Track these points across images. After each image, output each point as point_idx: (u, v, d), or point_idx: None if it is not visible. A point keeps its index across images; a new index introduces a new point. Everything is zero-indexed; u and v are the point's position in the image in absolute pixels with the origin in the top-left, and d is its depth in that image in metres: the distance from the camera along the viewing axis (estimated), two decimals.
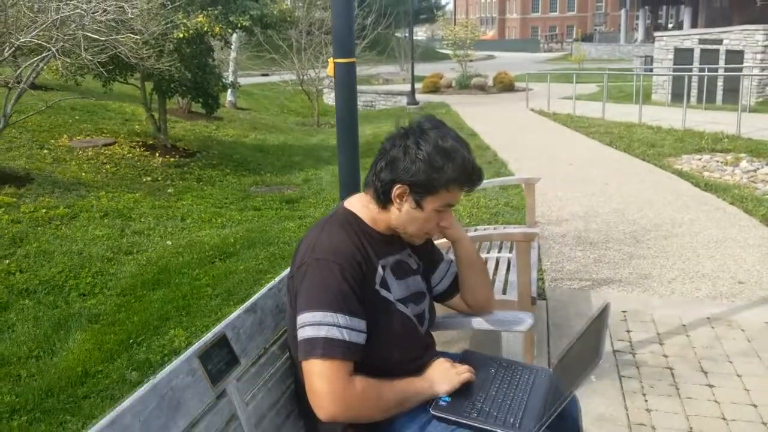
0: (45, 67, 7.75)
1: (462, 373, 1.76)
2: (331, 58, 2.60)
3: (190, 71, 8.98)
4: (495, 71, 23.75)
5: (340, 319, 1.58)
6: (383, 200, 1.75)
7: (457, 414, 1.66)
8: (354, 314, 1.61)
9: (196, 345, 1.46)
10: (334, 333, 1.57)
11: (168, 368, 1.35)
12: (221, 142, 11.25)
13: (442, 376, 1.74)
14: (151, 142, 9.95)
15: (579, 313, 4.04)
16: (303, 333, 1.58)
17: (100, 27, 6.56)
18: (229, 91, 15.63)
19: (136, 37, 6.52)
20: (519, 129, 13.28)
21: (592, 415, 2.94)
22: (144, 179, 8.41)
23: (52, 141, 9.17)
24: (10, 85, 6.66)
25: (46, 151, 8.70)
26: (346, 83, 2.67)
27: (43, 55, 6.33)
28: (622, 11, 42.86)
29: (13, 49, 6.05)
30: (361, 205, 1.80)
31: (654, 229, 5.84)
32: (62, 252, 5.37)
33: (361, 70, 18.59)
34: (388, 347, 1.71)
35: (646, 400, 3.05)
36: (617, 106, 15.81)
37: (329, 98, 21.33)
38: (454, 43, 26.61)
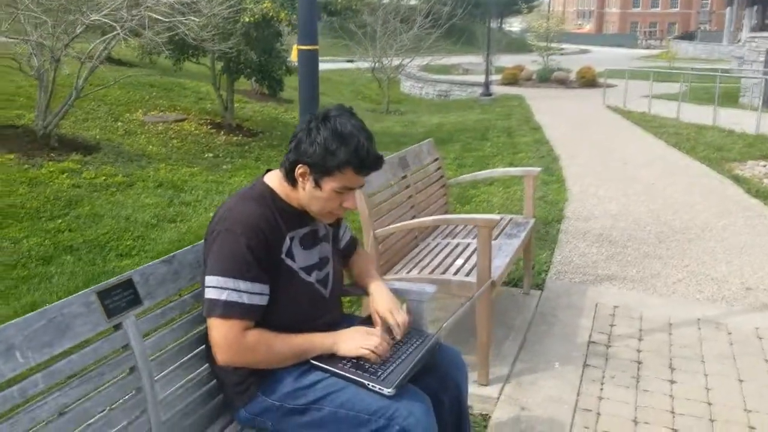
0: (125, 44, 8.35)
1: (367, 346, 1.88)
2: (295, 45, 2.82)
3: (257, 54, 9.39)
4: (583, 66, 23.25)
5: (241, 284, 1.81)
6: (290, 179, 1.95)
7: (332, 364, 1.87)
8: (255, 280, 1.83)
9: (100, 284, 1.73)
10: (234, 297, 1.80)
11: (63, 300, 1.62)
12: (286, 124, 11.68)
13: (348, 341, 1.91)
14: (218, 121, 10.48)
15: (569, 305, 4.13)
16: (207, 293, 1.83)
17: (166, 9, 7.02)
18: None
19: (196, 19, 6.94)
20: (586, 125, 13.07)
21: (542, 396, 3.08)
22: (205, 155, 8.90)
23: (127, 114, 9.83)
24: (83, 60, 7.22)
25: (120, 123, 9.35)
26: (309, 68, 2.89)
27: (112, 34, 6.84)
28: (728, 9, 40.81)
29: (84, 26, 6.57)
30: (278, 180, 2.00)
31: (682, 232, 5.76)
32: (111, 216, 5.86)
33: (434, 60, 18.68)
34: (289, 308, 1.93)
35: (602, 389, 3.14)
36: (697, 107, 15.25)
37: (405, 86, 21.57)
38: (539, 35, 26.21)
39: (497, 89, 20.00)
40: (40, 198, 5.96)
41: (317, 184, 1.91)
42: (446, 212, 4.26)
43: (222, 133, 9.99)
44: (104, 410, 1.66)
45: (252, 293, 1.82)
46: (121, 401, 1.72)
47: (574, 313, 4.01)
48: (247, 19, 8.67)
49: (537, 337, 3.68)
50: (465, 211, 6.46)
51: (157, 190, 6.85)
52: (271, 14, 8.96)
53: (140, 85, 11.30)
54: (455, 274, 3.21)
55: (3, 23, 6.55)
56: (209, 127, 10.12)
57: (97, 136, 8.31)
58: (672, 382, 3.21)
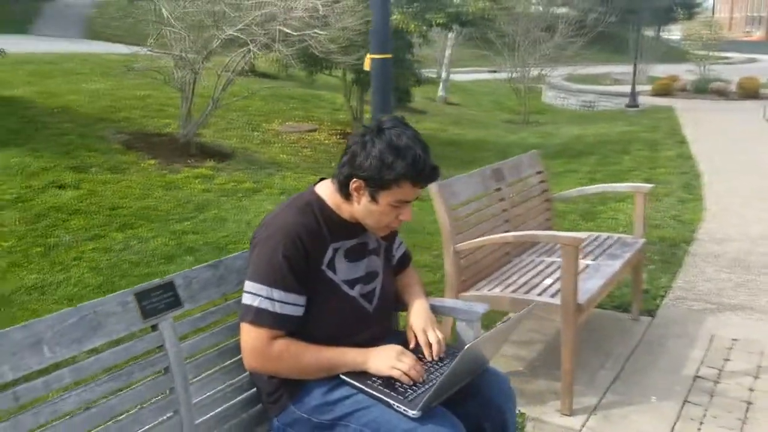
0: (262, 58, 8.78)
1: (399, 367, 1.82)
2: (368, 54, 2.79)
3: None
4: (744, 76, 21.46)
5: (275, 293, 1.81)
6: (344, 193, 1.92)
7: (361, 380, 1.82)
8: (290, 290, 1.82)
9: (139, 285, 1.80)
10: (266, 305, 1.81)
11: (99, 299, 1.70)
12: None
13: (379, 359, 1.85)
14: (349, 131, 10.73)
15: (681, 334, 3.78)
16: (243, 298, 1.86)
17: (297, 23, 7.29)
18: (441, 85, 16.11)
19: (323, 32, 7.15)
20: (739, 140, 12.02)
21: (632, 430, 2.83)
22: (333, 164, 9.12)
23: (265, 125, 10.30)
24: (219, 73, 7.67)
25: (257, 133, 9.82)
26: (382, 77, 2.85)
27: (245, 48, 7.20)
28: None
29: (220, 41, 6.98)
30: (330, 190, 1.98)
31: None
32: (234, 220, 6.15)
33: (577, 69, 18.03)
34: (328, 321, 1.91)
35: (700, 429, 2.84)
36: None
37: (548, 96, 20.98)
38: (700, 44, 24.52)
39: (647, 100, 18.91)
40: (172, 201, 6.38)
41: (373, 198, 1.88)
42: (549, 228, 4.06)
43: None
44: (133, 408, 1.71)
45: (285, 303, 1.81)
46: (152, 401, 1.77)
47: (685, 343, 3.67)
48: None
49: (637, 367, 3.40)
50: (587, 228, 6.14)
51: (280, 197, 7.11)
52: (401, 26, 9.05)
53: (280, 97, 11.83)
54: (540, 294, 3.04)
55: (150, 38, 7.10)
56: (339, 137, 10.38)
57: (234, 145, 8.78)
58: None
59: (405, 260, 2.22)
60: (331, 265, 1.91)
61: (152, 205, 6.22)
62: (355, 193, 1.90)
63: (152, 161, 7.36)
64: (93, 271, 4.78)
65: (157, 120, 9.03)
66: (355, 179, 1.87)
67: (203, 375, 1.89)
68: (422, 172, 1.84)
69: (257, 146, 9.14)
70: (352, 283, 1.95)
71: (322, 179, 2.04)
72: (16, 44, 12.10)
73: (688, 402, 3.06)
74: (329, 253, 1.91)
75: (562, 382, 2.97)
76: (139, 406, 1.73)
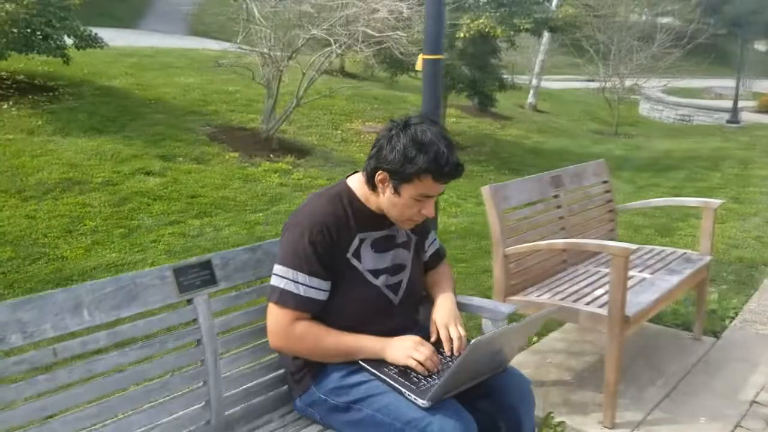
0: (348, 59, 8.95)
1: (415, 357, 1.86)
2: (421, 54, 2.83)
3: (470, 70, 9.51)
4: None
5: (300, 276, 1.90)
6: (371, 184, 1.99)
7: (378, 367, 1.87)
8: (314, 274, 1.91)
9: (178, 262, 1.91)
10: (291, 287, 1.90)
11: (138, 271, 1.82)
12: (498, 140, 11.64)
13: (396, 348, 1.91)
14: None
15: (743, 357, 3.62)
16: (271, 280, 1.96)
17: (380, 25, 7.41)
18: (531, 92, 15.91)
19: (404, 35, 7.23)
20: None
21: None
22: None
23: (347, 124, 10.49)
24: (304, 72, 7.88)
25: (338, 132, 10.01)
26: (432, 78, 2.88)
27: (329, 49, 7.38)
28: None
29: (305, 41, 7.18)
30: (360, 182, 2.05)
31: None
32: None
33: (672, 81, 17.36)
34: (350, 308, 1.98)
35: None
36: None
37: (644, 108, 20.31)
38: None
39: (750, 117, 18.01)
40: (249, 193, 6.62)
41: (396, 191, 1.94)
42: (612, 239, 3.97)
43: None
44: (164, 375, 1.83)
45: (309, 286, 1.89)
46: (183, 370, 1.88)
47: (746, 367, 3.51)
48: (462, 35, 8.83)
49: (691, 387, 3.28)
50: (662, 243, 5.95)
51: None
52: (487, 30, 9.02)
53: (364, 97, 12.00)
54: (588, 304, 2.99)
55: (239, 35, 7.40)
56: None
57: (314, 142, 9.00)
58: None
59: (437, 257, 2.26)
60: (357, 254, 1.98)
61: (230, 195, 6.47)
62: (380, 185, 1.96)
63: (234, 154, 7.65)
64: (168, 254, 5.03)
65: (243, 115, 9.36)
66: (380, 171, 1.94)
67: (233, 351, 2.00)
68: (444, 168, 1.88)
69: (336, 144, 9.33)
70: (376, 273, 2.01)
71: (355, 172, 2.11)
72: (123, 38, 12.84)
73: (741, 427, 2.94)
74: (355, 242, 1.98)
75: (605, 394, 2.92)
76: (170, 374, 1.85)
